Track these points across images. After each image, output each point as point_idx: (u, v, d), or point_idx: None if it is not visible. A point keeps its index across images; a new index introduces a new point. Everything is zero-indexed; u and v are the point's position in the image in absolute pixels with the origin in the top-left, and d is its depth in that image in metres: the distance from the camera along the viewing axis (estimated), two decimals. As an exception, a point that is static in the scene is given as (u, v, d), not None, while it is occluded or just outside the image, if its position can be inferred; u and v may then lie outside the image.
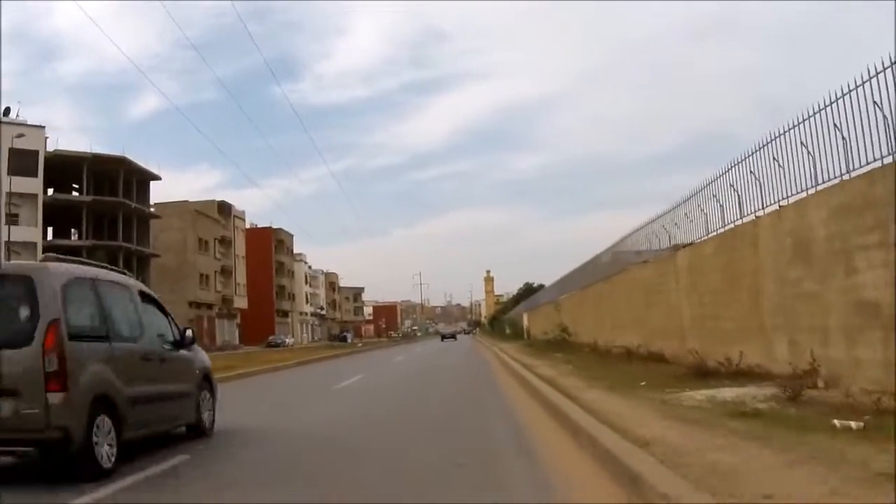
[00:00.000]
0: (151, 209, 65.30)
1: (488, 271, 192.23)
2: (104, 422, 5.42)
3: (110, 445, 5.47)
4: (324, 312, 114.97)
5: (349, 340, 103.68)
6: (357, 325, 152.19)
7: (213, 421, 8.04)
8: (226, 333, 73.63)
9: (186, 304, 63.69)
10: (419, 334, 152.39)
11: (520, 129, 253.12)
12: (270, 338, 75.22)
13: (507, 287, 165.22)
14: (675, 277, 12.80)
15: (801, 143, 8.01)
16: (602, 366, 13.16)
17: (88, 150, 53.15)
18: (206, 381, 8.15)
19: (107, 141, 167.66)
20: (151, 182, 60.25)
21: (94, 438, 5.26)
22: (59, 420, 4.98)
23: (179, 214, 66.07)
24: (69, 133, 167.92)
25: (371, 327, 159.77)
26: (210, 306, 69.06)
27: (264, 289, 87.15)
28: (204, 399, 7.86)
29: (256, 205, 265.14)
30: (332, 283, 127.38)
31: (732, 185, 10.24)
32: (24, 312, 5.24)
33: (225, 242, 74.42)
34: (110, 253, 51.99)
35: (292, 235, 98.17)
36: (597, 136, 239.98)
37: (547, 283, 51.75)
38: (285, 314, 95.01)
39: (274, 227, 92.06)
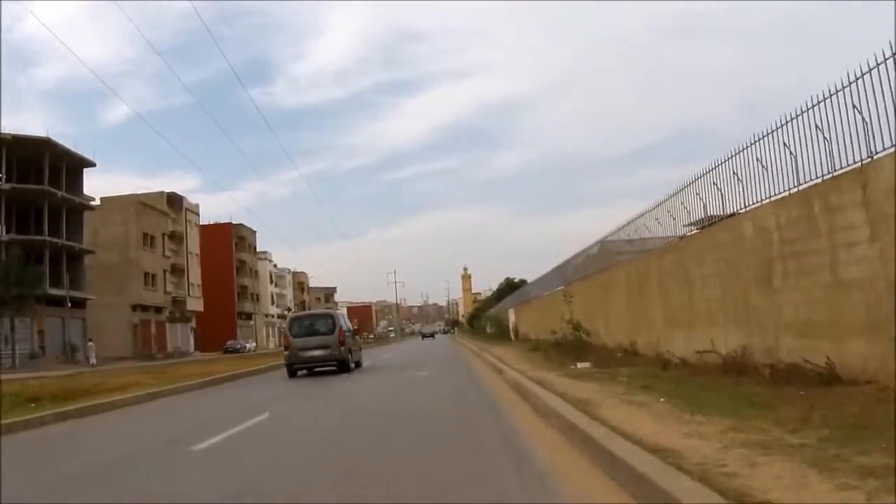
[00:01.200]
0: (93, 202, 58.23)
1: (465, 268, 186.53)
2: (349, 356, 19.86)
3: (351, 364, 19.96)
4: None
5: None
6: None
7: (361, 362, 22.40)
8: (178, 339, 66.56)
9: (129, 308, 56.76)
10: (393, 335, 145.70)
11: (497, 127, 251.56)
12: (228, 343, 68.26)
13: (485, 285, 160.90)
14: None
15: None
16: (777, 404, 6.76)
17: (8, 133, 45.95)
18: (359, 349, 23.50)
19: (79, 147, 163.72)
20: (86, 169, 52.98)
21: (349, 361, 19.76)
22: (340, 356, 19.16)
23: (122, 207, 58.93)
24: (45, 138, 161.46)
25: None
26: (159, 309, 61.93)
27: (223, 290, 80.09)
28: (354, 353, 21.27)
29: (229, 209, 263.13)
30: (301, 282, 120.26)
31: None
32: (331, 324, 19.59)
33: (175, 238, 67.25)
34: (32, 248, 44.83)
35: (255, 232, 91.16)
36: (575, 133, 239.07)
37: (529, 279, 46.08)
38: (248, 317, 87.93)
39: (234, 222, 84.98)
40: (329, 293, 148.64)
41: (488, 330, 66.53)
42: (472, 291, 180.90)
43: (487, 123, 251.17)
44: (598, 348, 16.64)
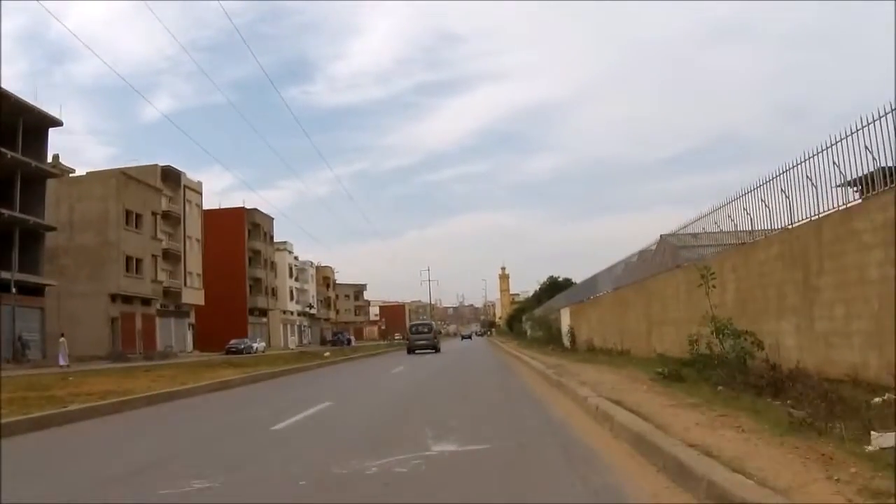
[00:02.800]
0: (66, 172, 49.65)
1: (503, 268, 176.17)
2: (436, 342, 41.32)
3: (437, 347, 40.75)
4: (314, 311, 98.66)
5: (351, 343, 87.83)
6: (358, 326, 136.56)
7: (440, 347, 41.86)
8: (173, 336, 57.63)
9: (107, 298, 47.88)
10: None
11: (533, 130, 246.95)
12: (232, 342, 59.01)
13: (521, 287, 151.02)
14: None
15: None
16: None
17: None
18: (436, 338, 42.89)
19: (120, 144, 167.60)
20: (52, 130, 44.14)
21: (438, 347, 40.97)
22: (433, 344, 40.31)
23: (103, 180, 50.17)
24: (82, 135, 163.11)
25: (375, 329, 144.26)
26: (147, 301, 53.00)
27: (233, 282, 71.19)
28: (439, 342, 42.99)
29: (266, 209, 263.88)
30: (326, 277, 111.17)
31: None
32: (429, 328, 44.02)
33: (171, 220, 58.30)
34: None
35: (272, 219, 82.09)
36: (611, 138, 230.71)
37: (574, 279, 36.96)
38: (263, 313, 78.93)
39: (247, 206, 76.00)
40: (359, 290, 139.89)
41: (529, 333, 56.16)
42: (510, 293, 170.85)
43: (523, 126, 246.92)
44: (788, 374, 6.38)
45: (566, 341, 34.66)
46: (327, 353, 36.16)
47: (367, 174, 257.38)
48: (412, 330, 43.25)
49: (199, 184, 63.16)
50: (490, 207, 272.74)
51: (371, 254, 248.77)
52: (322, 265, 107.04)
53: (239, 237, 74.14)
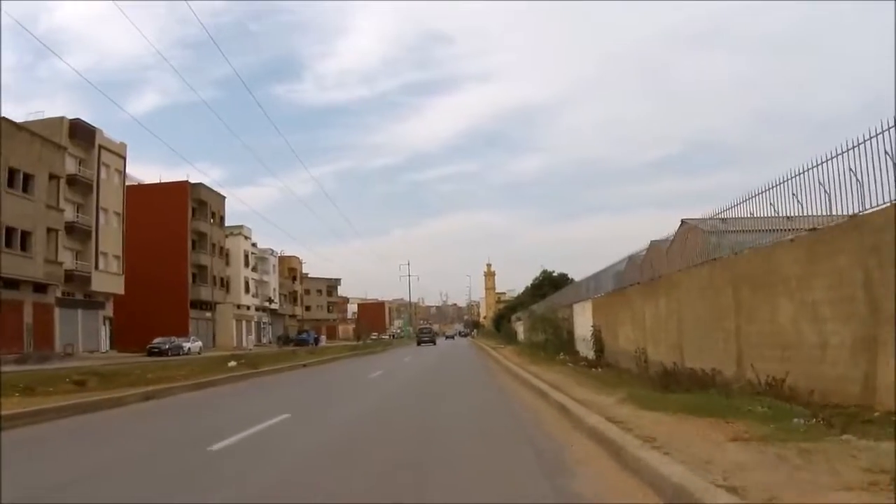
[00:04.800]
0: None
1: (489, 265, 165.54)
2: (434, 339, 76.46)
3: (434, 342, 71.27)
4: (275, 307, 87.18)
5: (318, 343, 77.21)
6: (331, 324, 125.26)
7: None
8: (80, 332, 46.27)
9: (-26, 280, 36.43)
10: (395, 337, 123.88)
11: (518, 131, 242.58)
12: (156, 341, 47.52)
13: (507, 287, 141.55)
14: None
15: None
16: None
17: None
18: (435, 337, 78.43)
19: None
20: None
21: (435, 341, 72.20)
22: (432, 340, 71.52)
23: (-19, 129, 38.70)
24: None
25: (351, 328, 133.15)
26: (42, 287, 41.66)
27: (169, 269, 59.75)
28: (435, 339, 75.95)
29: (250, 205, 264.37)
30: (291, 269, 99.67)
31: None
32: (432, 331, 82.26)
33: (79, 186, 46.82)
34: None
35: (223, 198, 70.66)
36: (596, 140, 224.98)
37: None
38: (209, 307, 67.52)
39: (192, 181, 64.43)
40: (332, 286, 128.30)
41: (524, 336, 45.36)
42: (496, 291, 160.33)
43: (509, 127, 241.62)
44: None
45: (584, 349, 23.96)
46: (232, 363, 24.78)
47: (354, 172, 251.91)
48: (420, 332, 78.21)
49: (122, 145, 51.44)
50: (476, 207, 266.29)
51: (355, 253, 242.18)
52: (287, 254, 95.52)
53: (180, 216, 62.62)
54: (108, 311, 50.22)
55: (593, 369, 17.86)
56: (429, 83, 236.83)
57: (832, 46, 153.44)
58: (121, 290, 50.19)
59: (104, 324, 49.71)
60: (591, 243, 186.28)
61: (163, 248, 59.48)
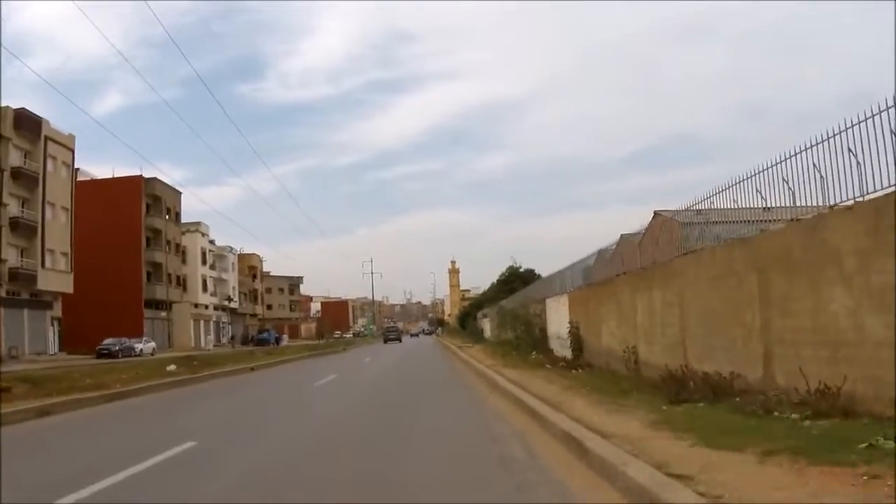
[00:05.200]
0: None
1: (453, 262, 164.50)
2: (400, 337, 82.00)
3: (400, 339, 77.62)
4: (235, 306, 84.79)
5: (280, 342, 75.26)
6: (294, 323, 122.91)
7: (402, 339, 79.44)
8: (26, 334, 43.78)
9: None
10: (359, 335, 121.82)
11: (486, 129, 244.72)
12: (105, 342, 45.15)
13: (472, 285, 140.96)
14: None
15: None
16: None
17: None
18: (400, 335, 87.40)
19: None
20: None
21: (401, 339, 78.42)
22: (398, 338, 77.31)
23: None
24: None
25: (314, 326, 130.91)
26: (-19, 286, 39.18)
27: (122, 267, 57.24)
28: (401, 337, 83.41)
29: (212, 206, 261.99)
30: (252, 267, 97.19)
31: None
32: (398, 329, 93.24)
33: (24, 180, 44.32)
34: None
35: (179, 193, 68.12)
36: (565, 137, 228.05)
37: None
38: (165, 306, 65.06)
39: (145, 176, 61.87)
40: (294, 284, 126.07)
41: (492, 333, 44.36)
42: (461, 289, 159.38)
43: (477, 125, 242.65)
44: None
45: (559, 347, 22.89)
46: (171, 367, 22.98)
47: (319, 171, 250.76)
48: (387, 331, 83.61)
49: (71, 137, 48.94)
50: (442, 205, 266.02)
51: (319, 251, 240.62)
52: (246, 252, 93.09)
53: (133, 212, 60.05)
54: (57, 311, 47.76)
55: (573, 371, 16.80)
56: (394, 81, 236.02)
57: (815, 43, 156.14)
58: (70, 289, 47.74)
59: (52, 324, 47.26)
60: (562, 241, 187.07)
61: (115, 246, 56.95)
